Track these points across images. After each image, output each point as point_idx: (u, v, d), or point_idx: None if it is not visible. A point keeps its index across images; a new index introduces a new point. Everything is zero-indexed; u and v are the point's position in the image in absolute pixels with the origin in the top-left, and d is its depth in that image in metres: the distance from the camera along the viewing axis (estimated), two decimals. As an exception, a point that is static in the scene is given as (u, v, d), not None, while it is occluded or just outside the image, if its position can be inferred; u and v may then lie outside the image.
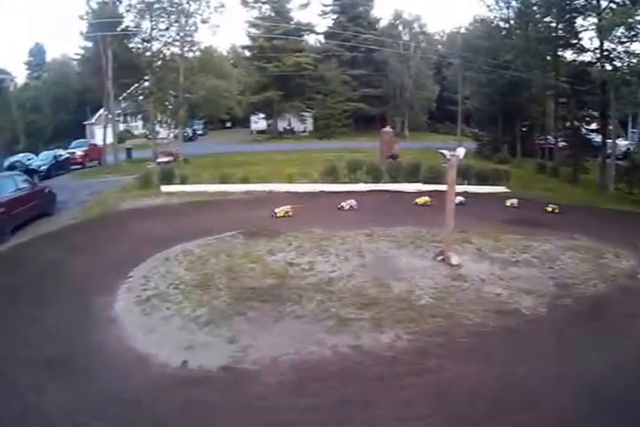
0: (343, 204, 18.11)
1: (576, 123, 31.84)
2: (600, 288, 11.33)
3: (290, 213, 16.90)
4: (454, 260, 11.99)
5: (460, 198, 16.04)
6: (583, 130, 32.04)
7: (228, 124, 63.17)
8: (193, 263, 11.85)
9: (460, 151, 12.84)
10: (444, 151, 12.76)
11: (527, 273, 11.79)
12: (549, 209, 19.66)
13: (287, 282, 10.53)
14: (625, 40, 24.88)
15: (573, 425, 6.58)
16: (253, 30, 49.92)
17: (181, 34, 33.19)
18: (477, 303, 9.72)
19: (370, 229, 14.26)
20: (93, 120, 51.65)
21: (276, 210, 16.93)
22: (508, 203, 20.07)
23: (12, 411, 6.93)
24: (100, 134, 38.19)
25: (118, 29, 32.25)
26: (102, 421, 6.65)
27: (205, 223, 15.36)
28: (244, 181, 21.59)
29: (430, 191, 19.57)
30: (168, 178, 21.81)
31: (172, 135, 39.34)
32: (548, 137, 36.06)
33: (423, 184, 21.39)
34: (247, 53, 54.43)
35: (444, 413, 6.58)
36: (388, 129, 31.55)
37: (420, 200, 18.84)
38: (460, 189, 16.58)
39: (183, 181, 21.69)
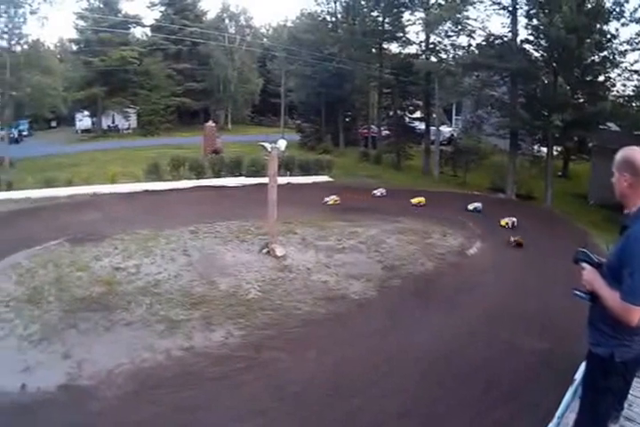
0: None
1: (399, 112, 33.70)
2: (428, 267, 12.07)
3: None
4: (279, 251, 12.04)
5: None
6: (406, 118, 33.94)
7: (54, 124, 57.41)
8: (22, 277, 10.66)
9: (281, 143, 12.87)
10: (265, 144, 12.74)
11: (354, 259, 12.16)
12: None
13: (115, 288, 9.91)
14: (451, 34, 26.73)
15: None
16: (81, 22, 45.90)
17: (9, 25, 29.93)
18: (305, 293, 9.84)
19: (194, 226, 13.96)
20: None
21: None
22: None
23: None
24: None
25: None
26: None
27: (31, 232, 13.84)
28: (69, 183, 20.29)
29: (254, 185, 19.56)
30: (-8, 185, 19.72)
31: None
32: (372, 126, 37.59)
33: (246, 178, 21.43)
34: (74, 47, 50.14)
35: (283, 406, 6.55)
36: (210, 124, 31.42)
37: None
38: (283, 180, 16.79)
39: (9, 188, 19.85)
